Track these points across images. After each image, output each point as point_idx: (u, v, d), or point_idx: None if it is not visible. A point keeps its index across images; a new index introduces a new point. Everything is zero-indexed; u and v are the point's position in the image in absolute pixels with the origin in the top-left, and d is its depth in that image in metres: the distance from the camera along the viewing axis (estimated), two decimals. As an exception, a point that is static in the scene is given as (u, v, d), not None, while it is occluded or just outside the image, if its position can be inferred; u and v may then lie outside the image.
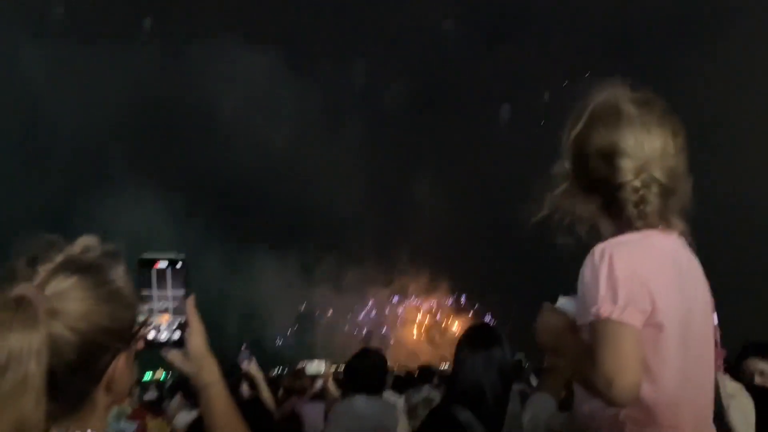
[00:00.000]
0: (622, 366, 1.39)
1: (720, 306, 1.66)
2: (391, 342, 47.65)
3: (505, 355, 3.04)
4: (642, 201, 1.47)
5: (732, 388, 2.14)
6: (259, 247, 44.60)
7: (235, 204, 46.98)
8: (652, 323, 1.43)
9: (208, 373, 1.47)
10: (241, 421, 1.52)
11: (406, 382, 7.84)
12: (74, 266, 1.06)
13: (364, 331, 47.94)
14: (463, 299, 52.97)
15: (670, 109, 1.52)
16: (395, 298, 51.21)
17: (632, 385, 1.40)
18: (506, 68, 54.53)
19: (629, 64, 52.74)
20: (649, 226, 1.50)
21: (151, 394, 10.57)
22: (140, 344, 1.30)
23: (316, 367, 5.76)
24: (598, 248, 1.49)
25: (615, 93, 1.55)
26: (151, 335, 1.33)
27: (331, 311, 47.93)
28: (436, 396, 6.00)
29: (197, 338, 1.47)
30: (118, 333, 1.08)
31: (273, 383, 6.67)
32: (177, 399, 6.73)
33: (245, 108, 46.10)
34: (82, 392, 1.05)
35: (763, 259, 37.21)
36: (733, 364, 4.09)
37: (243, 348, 5.32)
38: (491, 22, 53.03)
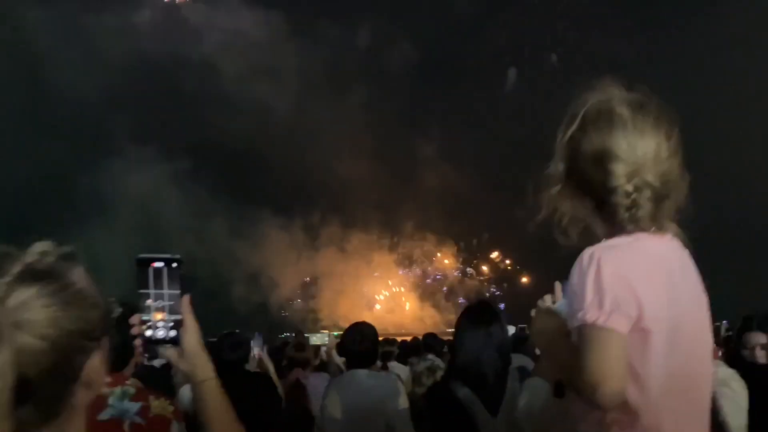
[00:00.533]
0: (607, 371, 1.39)
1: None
2: (395, 308, 48.15)
3: (505, 332, 3.07)
4: (634, 205, 1.47)
5: (724, 374, 2.21)
6: (264, 211, 44.69)
7: (240, 168, 46.72)
8: (639, 328, 1.43)
9: (203, 370, 1.51)
10: (235, 418, 1.57)
11: (411, 350, 7.91)
12: (33, 275, 1.05)
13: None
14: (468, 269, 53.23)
15: (665, 108, 1.50)
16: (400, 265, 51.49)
17: (617, 389, 1.41)
18: (513, 29, 54.06)
19: (639, 23, 52.32)
20: (641, 229, 1.49)
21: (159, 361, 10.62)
22: (138, 342, 1.33)
23: (320, 338, 5.79)
24: (587, 252, 1.49)
25: (609, 95, 1.53)
26: (148, 333, 1.38)
27: (336, 276, 47.98)
28: (440, 364, 6.05)
29: (192, 336, 1.50)
30: (89, 333, 1.09)
31: (277, 352, 6.71)
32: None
33: (248, 71, 45.78)
34: (60, 395, 1.07)
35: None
36: (735, 337, 4.08)
37: (256, 336, 5.38)
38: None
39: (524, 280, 51.08)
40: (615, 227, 1.52)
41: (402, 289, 50.44)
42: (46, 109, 42.30)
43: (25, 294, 1.03)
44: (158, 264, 1.36)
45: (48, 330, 1.01)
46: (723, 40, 43.55)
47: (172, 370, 7.87)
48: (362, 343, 4.02)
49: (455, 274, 52.67)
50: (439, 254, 52.34)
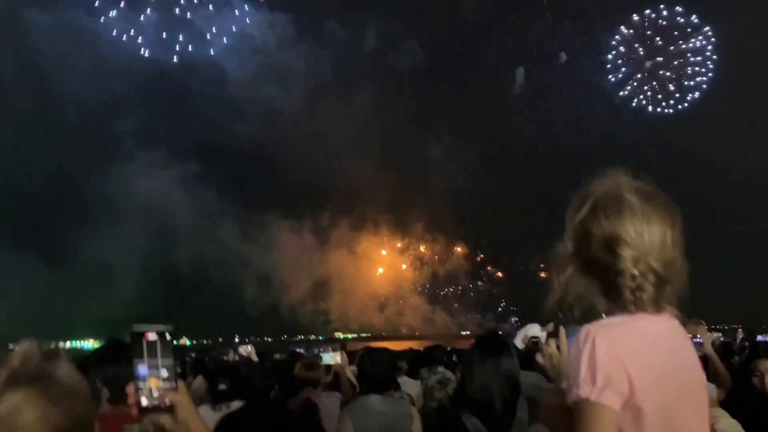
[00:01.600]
0: None
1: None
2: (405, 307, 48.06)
3: (515, 364, 3.07)
4: (638, 288, 1.52)
5: (725, 424, 2.23)
6: (274, 214, 44.85)
7: (248, 171, 47.26)
8: (631, 405, 1.47)
9: None
10: None
11: (421, 361, 7.93)
12: (19, 379, 1.10)
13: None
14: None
15: (671, 199, 1.58)
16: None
17: None
18: (520, 30, 53.97)
19: (647, 24, 52.02)
20: (643, 310, 1.53)
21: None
22: (133, 410, 1.37)
23: (332, 357, 5.82)
24: (584, 330, 1.53)
25: (618, 182, 1.59)
26: (143, 401, 1.42)
27: (346, 277, 48.09)
28: (450, 376, 6.05)
29: (185, 403, 1.49)
30: (78, 426, 1.14)
31: (285, 368, 6.66)
32: (200, 380, 6.66)
33: (255, 74, 45.95)
34: None
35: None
36: (743, 361, 4.10)
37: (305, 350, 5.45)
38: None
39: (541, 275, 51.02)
40: (618, 306, 1.55)
41: (412, 291, 50.50)
42: (55, 114, 42.61)
43: (14, 398, 1.08)
44: (152, 336, 1.44)
45: (38, 428, 1.07)
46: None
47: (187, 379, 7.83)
48: (379, 368, 4.07)
49: (466, 276, 52.69)
50: (449, 256, 52.34)
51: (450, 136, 52.03)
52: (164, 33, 45.40)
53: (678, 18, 48.23)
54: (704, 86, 48.45)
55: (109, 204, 42.10)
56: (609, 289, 1.56)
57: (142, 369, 1.43)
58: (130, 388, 1.41)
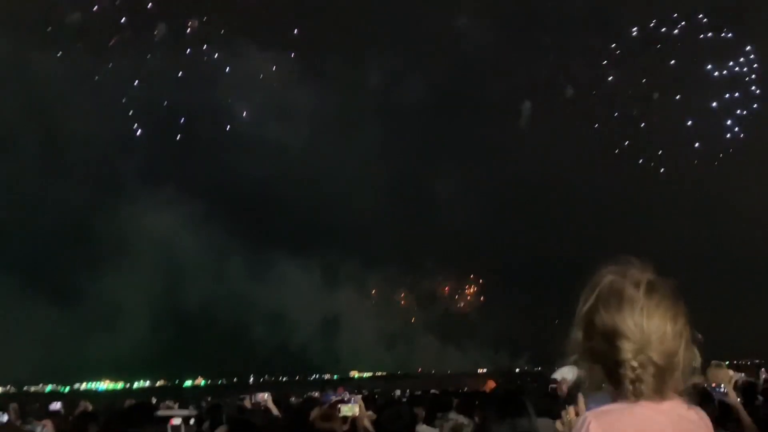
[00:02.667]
0: None
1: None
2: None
3: (532, 424, 3.16)
4: (638, 379, 1.59)
5: None
6: (282, 251, 44.82)
7: (255, 208, 47.14)
8: None
9: None
10: None
11: (434, 407, 7.97)
12: None
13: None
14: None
15: (675, 291, 1.65)
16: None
17: None
18: (526, 64, 54.33)
19: (651, 58, 52.45)
20: (643, 398, 1.60)
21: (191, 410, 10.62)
22: None
23: (350, 408, 5.80)
24: (582, 416, 1.65)
25: (622, 275, 1.67)
26: None
27: (355, 315, 47.77)
28: (464, 420, 6.08)
29: None
30: None
31: (299, 415, 6.61)
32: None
33: (261, 112, 46.51)
34: None
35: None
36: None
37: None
38: (508, 17, 52.49)
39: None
40: (620, 393, 1.63)
41: (424, 328, 49.90)
42: (62, 154, 42.98)
43: None
44: (176, 421, 1.44)
45: None
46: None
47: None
48: (397, 425, 4.12)
49: (478, 312, 52.09)
50: (460, 292, 51.96)
51: (459, 172, 52.12)
52: (169, 71, 45.95)
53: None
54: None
55: (117, 244, 42.31)
56: (612, 377, 1.64)
57: None
58: None
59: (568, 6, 50.13)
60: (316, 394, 12.20)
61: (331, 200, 47.41)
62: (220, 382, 42.04)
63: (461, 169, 52.27)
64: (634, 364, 1.60)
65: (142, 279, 40.30)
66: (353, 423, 6.55)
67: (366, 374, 39.05)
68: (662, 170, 50.00)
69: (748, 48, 48.29)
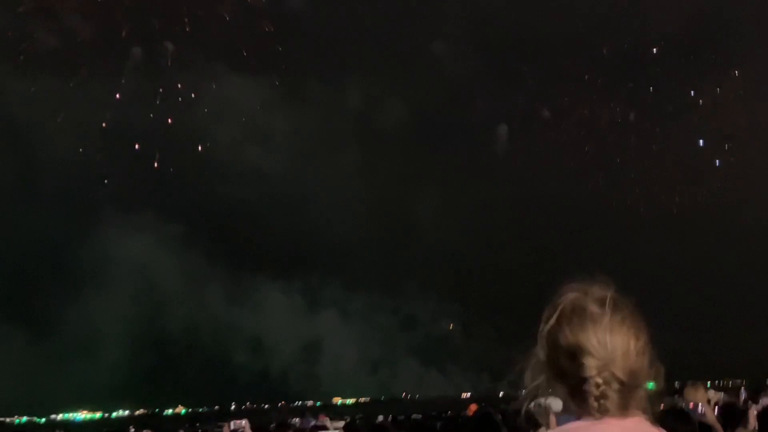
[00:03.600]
0: None
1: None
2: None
3: None
4: (602, 396, 1.62)
5: None
6: (262, 276, 44.65)
7: (235, 233, 46.94)
8: None
9: None
10: None
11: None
12: None
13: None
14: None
15: (636, 309, 1.72)
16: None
17: None
18: (503, 87, 55.02)
19: (630, 80, 53.51)
20: (608, 415, 1.64)
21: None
22: None
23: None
24: None
25: (584, 292, 1.72)
26: None
27: (337, 340, 47.34)
28: None
29: None
30: None
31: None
32: None
33: (240, 136, 46.27)
34: None
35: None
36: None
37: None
38: (486, 42, 53.17)
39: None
40: (584, 411, 1.66)
41: (405, 352, 49.24)
42: (35, 181, 42.76)
43: None
44: None
45: None
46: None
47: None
48: None
49: (459, 336, 51.53)
50: (442, 315, 51.40)
51: (439, 194, 51.91)
52: (144, 95, 45.54)
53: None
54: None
55: (94, 270, 41.88)
56: (575, 395, 1.67)
57: None
58: None
59: (546, 32, 51.02)
60: (296, 420, 12.13)
61: (312, 224, 47.52)
62: (200, 410, 41.43)
63: (442, 192, 52.28)
64: (599, 380, 1.62)
65: (120, 305, 39.91)
66: None
67: (349, 400, 38.81)
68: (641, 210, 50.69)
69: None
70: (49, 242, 42.11)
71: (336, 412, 24.95)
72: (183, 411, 41.02)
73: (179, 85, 46.43)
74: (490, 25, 52.25)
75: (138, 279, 41.65)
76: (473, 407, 16.00)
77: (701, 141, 50.09)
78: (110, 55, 46.25)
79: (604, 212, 49.72)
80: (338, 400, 35.73)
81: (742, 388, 10.35)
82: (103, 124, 44.55)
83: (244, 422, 7.06)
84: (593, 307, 1.65)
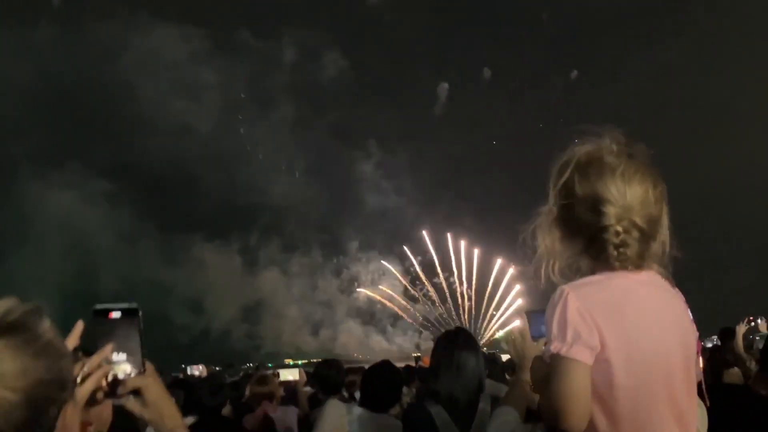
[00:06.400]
0: (569, 397, 1.57)
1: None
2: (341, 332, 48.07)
3: (479, 358, 3.41)
4: (623, 244, 1.64)
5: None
6: (198, 236, 44.17)
7: (166, 190, 46.17)
8: (602, 359, 1.57)
9: (170, 419, 1.49)
10: None
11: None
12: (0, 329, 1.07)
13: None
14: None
15: (651, 160, 1.73)
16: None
17: (577, 416, 1.57)
18: (444, 44, 55.27)
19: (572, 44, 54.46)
20: (624, 267, 1.65)
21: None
22: (100, 395, 1.36)
23: (290, 373, 6.07)
24: (559, 289, 1.65)
25: (599, 145, 1.73)
26: (109, 386, 1.40)
27: (278, 301, 47.44)
28: (404, 390, 6.53)
29: (155, 385, 1.48)
30: (59, 383, 1.12)
31: (237, 387, 6.54)
32: None
33: (167, 89, 45.17)
34: None
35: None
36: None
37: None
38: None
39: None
40: (600, 264, 1.69)
41: (346, 314, 49.70)
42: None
43: None
44: (116, 314, 1.42)
45: (18, 382, 1.03)
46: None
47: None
48: (334, 374, 4.81)
49: (402, 297, 51.64)
50: (384, 276, 51.58)
51: (380, 151, 52.31)
52: (66, 45, 43.72)
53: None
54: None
55: (16, 230, 40.82)
56: (593, 247, 1.68)
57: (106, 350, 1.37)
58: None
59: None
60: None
61: (247, 182, 47.01)
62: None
63: (383, 148, 52.51)
64: (619, 228, 1.63)
65: (48, 266, 39.27)
66: (293, 391, 6.59)
67: (301, 361, 39.34)
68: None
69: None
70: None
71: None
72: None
73: (102, 36, 44.89)
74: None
75: (65, 238, 40.58)
76: (427, 360, 16.51)
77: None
78: (29, 5, 44.66)
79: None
80: (290, 361, 36.16)
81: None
82: (22, 77, 42.46)
83: (201, 367, 7.20)
84: (609, 158, 1.69)
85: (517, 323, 2.26)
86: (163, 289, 41.33)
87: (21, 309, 1.11)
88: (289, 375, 6.19)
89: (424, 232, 50.36)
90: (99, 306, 1.40)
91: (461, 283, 49.91)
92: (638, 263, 1.65)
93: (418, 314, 50.45)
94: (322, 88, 52.61)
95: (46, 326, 1.13)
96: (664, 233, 1.69)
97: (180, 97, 44.73)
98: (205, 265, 42.92)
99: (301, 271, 47.01)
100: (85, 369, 1.32)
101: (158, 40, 44.91)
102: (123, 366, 1.40)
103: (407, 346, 48.53)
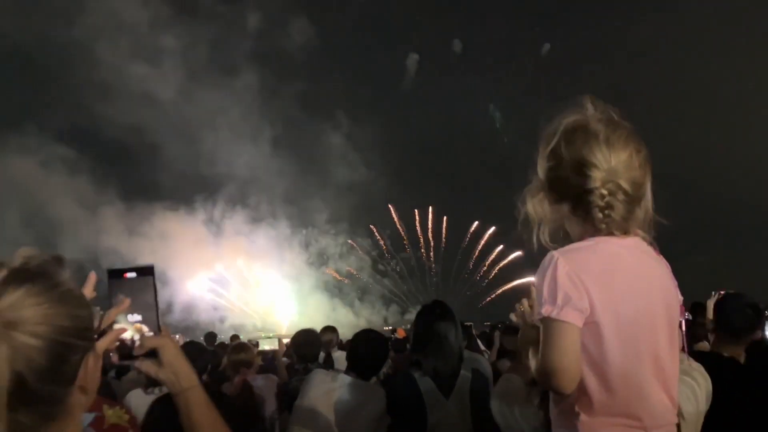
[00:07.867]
0: (561, 358, 1.63)
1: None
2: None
3: (457, 329, 3.60)
4: (608, 206, 1.71)
5: (688, 367, 2.34)
6: (160, 206, 43.38)
7: (125, 158, 45.71)
8: (592, 321, 1.65)
9: (185, 378, 1.51)
10: (222, 423, 1.59)
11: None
12: (20, 276, 1.07)
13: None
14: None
15: (635, 128, 1.81)
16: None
17: (568, 375, 1.64)
18: (415, 12, 54.89)
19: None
20: (610, 231, 1.73)
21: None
22: (114, 358, 1.39)
23: (269, 342, 6.54)
24: (549, 254, 1.74)
25: (585, 113, 1.83)
26: (126, 347, 1.40)
27: (243, 274, 47.33)
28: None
29: (169, 345, 1.50)
30: (81, 331, 1.12)
31: (214, 356, 6.58)
32: (131, 374, 6.53)
33: (127, 54, 43.70)
34: (56, 397, 1.09)
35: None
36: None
37: None
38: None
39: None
40: (588, 228, 1.77)
41: (314, 287, 49.67)
42: None
43: (15, 295, 1.05)
44: (131, 275, 1.41)
45: (41, 328, 1.04)
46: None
47: (108, 376, 7.06)
48: (313, 344, 5.10)
49: (369, 270, 52.65)
50: (352, 249, 51.99)
51: (349, 122, 52.10)
52: (21, 8, 42.00)
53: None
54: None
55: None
56: (579, 211, 1.78)
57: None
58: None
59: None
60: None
61: (210, 152, 46.40)
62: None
63: (352, 119, 52.30)
64: (604, 191, 1.71)
65: (6, 235, 38.78)
66: (271, 360, 6.97)
67: (271, 334, 39.16)
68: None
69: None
70: None
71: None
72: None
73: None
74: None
75: (22, 204, 39.18)
76: (401, 332, 16.79)
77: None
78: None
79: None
80: (262, 334, 36.10)
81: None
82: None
83: (178, 336, 7.38)
84: (596, 125, 1.78)
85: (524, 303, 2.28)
86: (125, 259, 40.68)
87: (42, 257, 1.14)
88: (267, 345, 6.32)
89: (391, 207, 50.68)
90: (115, 266, 1.42)
91: (429, 257, 50.43)
92: (624, 227, 1.74)
93: (384, 289, 50.85)
94: (289, 55, 52.11)
95: (66, 275, 1.16)
96: (647, 198, 1.77)
97: (140, 62, 43.68)
98: (168, 236, 42.26)
99: (268, 243, 46.65)
100: (104, 322, 1.37)
101: (118, 3, 43.55)
102: (139, 326, 1.41)
103: (375, 319, 48.89)
